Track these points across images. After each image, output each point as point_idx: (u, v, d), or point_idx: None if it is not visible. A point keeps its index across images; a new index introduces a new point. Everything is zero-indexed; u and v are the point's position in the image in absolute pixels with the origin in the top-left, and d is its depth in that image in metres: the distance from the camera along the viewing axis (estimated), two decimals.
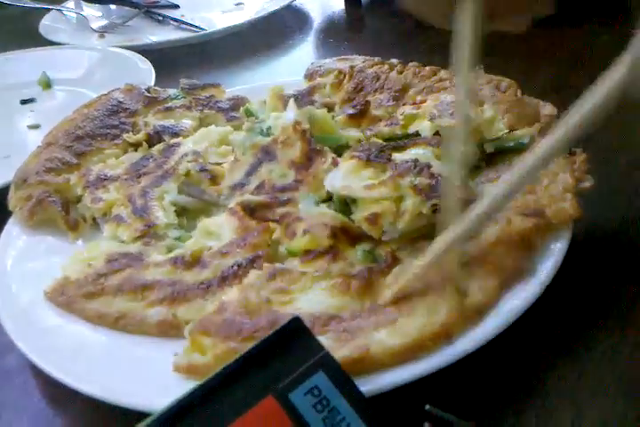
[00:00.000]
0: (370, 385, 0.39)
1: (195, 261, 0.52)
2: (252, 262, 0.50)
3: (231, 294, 0.47)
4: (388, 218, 0.50)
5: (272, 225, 0.53)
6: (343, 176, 0.53)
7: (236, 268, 0.50)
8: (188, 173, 0.61)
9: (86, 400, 0.43)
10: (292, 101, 0.63)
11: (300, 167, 0.56)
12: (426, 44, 0.97)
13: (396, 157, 0.54)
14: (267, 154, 0.59)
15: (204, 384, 0.36)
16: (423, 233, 0.50)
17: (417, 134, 0.60)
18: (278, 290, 0.47)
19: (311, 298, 0.46)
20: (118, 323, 0.48)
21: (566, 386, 0.43)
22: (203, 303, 0.49)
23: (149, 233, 0.56)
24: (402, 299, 0.45)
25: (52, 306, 0.51)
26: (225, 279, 0.50)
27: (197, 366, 0.42)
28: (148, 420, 0.35)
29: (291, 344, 0.37)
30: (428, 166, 0.52)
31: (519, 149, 0.57)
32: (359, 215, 0.51)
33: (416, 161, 0.52)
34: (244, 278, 0.49)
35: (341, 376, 0.36)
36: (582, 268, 0.51)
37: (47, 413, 0.47)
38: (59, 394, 0.46)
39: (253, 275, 0.49)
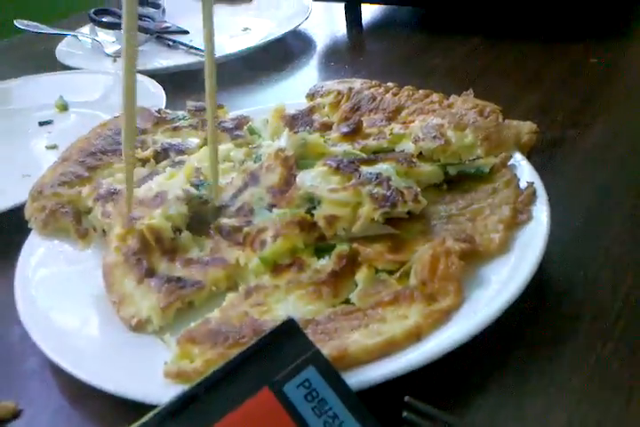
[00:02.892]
0: (354, 380, 0.43)
1: None
2: None
3: (213, 313, 0.52)
4: (344, 222, 0.56)
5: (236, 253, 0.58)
6: (313, 178, 0.59)
7: None
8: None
9: (104, 397, 0.47)
10: (286, 130, 0.67)
11: (277, 192, 0.61)
12: (423, 67, 1.02)
13: (364, 169, 0.59)
14: (253, 178, 0.64)
15: (206, 379, 0.40)
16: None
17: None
18: (255, 304, 0.52)
19: (287, 307, 0.51)
20: None
21: (538, 381, 0.47)
22: None
23: None
24: (373, 306, 0.49)
25: (69, 310, 0.56)
26: None
27: (187, 372, 0.46)
28: (153, 412, 0.39)
29: (285, 342, 0.41)
30: (388, 179, 0.58)
31: (479, 175, 0.62)
32: (320, 213, 0.57)
33: (379, 174, 0.58)
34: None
35: (330, 371, 0.41)
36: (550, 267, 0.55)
37: (67, 409, 0.51)
38: (78, 392, 0.50)
39: (230, 297, 0.54)
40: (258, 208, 0.61)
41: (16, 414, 0.50)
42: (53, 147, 0.91)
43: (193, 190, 0.64)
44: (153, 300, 0.54)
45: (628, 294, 0.53)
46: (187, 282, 0.56)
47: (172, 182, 0.65)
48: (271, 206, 0.60)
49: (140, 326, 0.53)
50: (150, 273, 0.57)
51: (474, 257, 0.53)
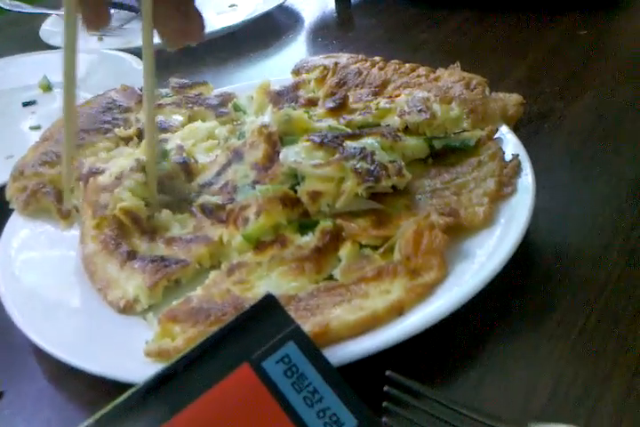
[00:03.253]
0: (335, 355, 0.43)
1: None
2: None
3: (195, 292, 0.52)
4: (328, 198, 0.55)
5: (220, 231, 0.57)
6: (296, 153, 0.58)
7: None
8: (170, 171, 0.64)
9: (86, 377, 0.47)
10: (270, 107, 0.66)
11: (261, 169, 0.60)
12: (411, 41, 1.01)
13: (348, 144, 0.58)
14: (237, 155, 0.63)
15: (185, 356, 0.39)
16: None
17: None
18: (238, 281, 0.51)
19: (269, 283, 0.50)
20: None
21: (522, 353, 0.47)
22: None
23: None
24: (355, 282, 0.49)
25: (50, 291, 0.55)
26: None
27: (168, 351, 0.46)
28: (131, 390, 0.38)
29: (264, 318, 0.41)
30: (372, 154, 0.57)
31: (465, 148, 0.61)
32: (304, 189, 0.56)
33: (363, 149, 0.57)
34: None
35: (310, 347, 0.40)
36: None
37: (50, 390, 0.51)
38: (60, 372, 0.50)
39: (213, 274, 0.53)
40: (241, 185, 0.60)
41: None
42: (37, 127, 0.89)
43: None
44: (139, 280, 0.54)
45: (612, 266, 0.52)
46: (171, 260, 0.55)
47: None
48: (255, 183, 0.59)
49: (128, 308, 0.53)
50: (132, 255, 0.56)
51: (458, 231, 0.53)
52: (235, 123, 0.71)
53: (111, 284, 0.55)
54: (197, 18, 0.52)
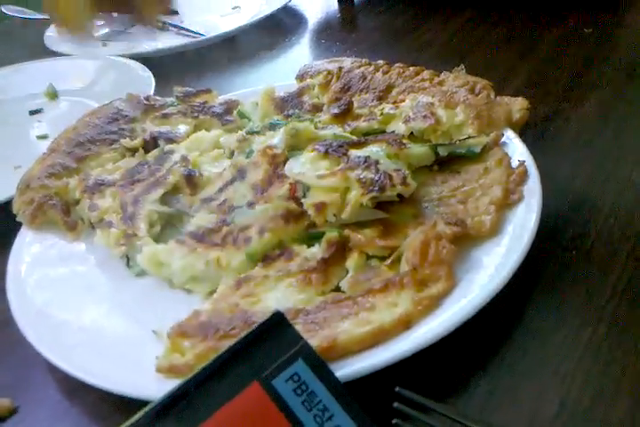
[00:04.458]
0: (343, 371, 0.43)
1: None
2: None
3: (203, 306, 0.52)
4: (333, 208, 0.55)
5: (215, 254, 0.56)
6: (301, 164, 0.58)
7: None
8: (176, 183, 0.64)
9: (99, 391, 0.48)
10: (282, 129, 0.66)
11: (259, 190, 0.60)
12: (416, 42, 1.01)
13: (353, 153, 0.58)
14: (240, 174, 0.63)
15: (196, 375, 0.40)
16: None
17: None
18: (246, 294, 0.51)
19: (277, 296, 0.51)
20: None
21: (530, 366, 0.47)
22: None
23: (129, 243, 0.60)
24: (363, 294, 0.49)
25: (61, 306, 0.56)
26: None
27: (178, 366, 0.46)
28: (144, 410, 0.39)
29: (273, 336, 0.41)
30: (377, 163, 0.57)
31: (471, 155, 0.61)
32: (309, 201, 0.56)
33: (367, 157, 0.57)
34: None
35: (318, 363, 0.40)
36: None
37: (63, 404, 0.51)
38: (73, 387, 0.51)
39: (221, 288, 0.53)
40: (237, 206, 0.60)
41: (13, 411, 0.51)
42: (44, 137, 0.90)
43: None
44: None
45: (621, 273, 0.52)
46: None
47: None
48: (250, 204, 0.59)
49: None
50: None
51: (465, 240, 0.53)
52: (241, 132, 0.71)
53: None
54: None
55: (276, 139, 0.63)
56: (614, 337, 0.47)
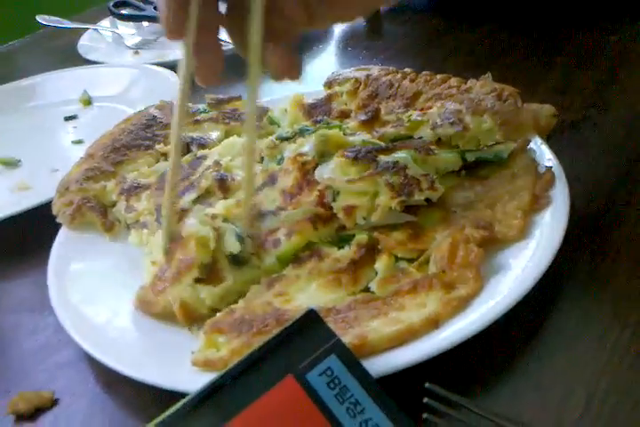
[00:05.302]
0: (375, 367, 0.44)
1: None
2: None
3: (237, 304, 0.54)
4: (363, 212, 0.57)
5: None
6: (331, 170, 0.60)
7: None
8: (208, 187, 0.66)
9: (136, 384, 0.49)
10: (313, 136, 0.67)
11: (288, 196, 0.61)
12: (441, 50, 1.02)
13: (382, 158, 0.60)
14: (271, 180, 0.64)
15: (232, 368, 0.42)
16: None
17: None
18: (278, 293, 0.53)
19: (308, 295, 0.52)
20: None
21: (557, 363, 0.48)
22: None
23: None
24: (392, 295, 0.50)
25: (100, 301, 0.58)
26: None
27: (214, 361, 0.48)
28: (181, 402, 0.41)
29: (307, 332, 0.43)
30: (405, 168, 0.58)
31: (498, 161, 0.62)
32: (339, 205, 0.58)
33: (395, 163, 0.59)
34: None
35: (351, 359, 0.42)
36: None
37: (101, 397, 0.53)
38: (111, 380, 0.53)
39: (254, 288, 0.55)
40: (266, 211, 0.61)
41: (53, 403, 0.53)
42: (79, 142, 0.93)
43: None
44: None
45: None
46: None
47: None
48: (279, 209, 0.60)
49: None
50: None
51: (493, 244, 0.54)
52: (271, 137, 0.73)
53: None
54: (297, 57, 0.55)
55: (307, 146, 0.65)
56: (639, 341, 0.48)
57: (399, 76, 0.80)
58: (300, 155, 0.64)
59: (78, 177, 0.72)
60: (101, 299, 0.59)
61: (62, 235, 0.67)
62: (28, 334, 0.61)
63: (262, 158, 0.70)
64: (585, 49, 0.92)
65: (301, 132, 0.73)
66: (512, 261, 0.52)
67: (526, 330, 0.50)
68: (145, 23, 1.28)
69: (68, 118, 1.00)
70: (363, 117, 0.73)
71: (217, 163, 0.69)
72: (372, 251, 0.55)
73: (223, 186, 0.66)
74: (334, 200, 0.58)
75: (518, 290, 0.48)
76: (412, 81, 0.78)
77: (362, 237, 0.56)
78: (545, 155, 0.62)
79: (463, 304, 0.48)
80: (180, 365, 0.50)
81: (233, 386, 0.41)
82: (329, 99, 0.80)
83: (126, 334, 0.55)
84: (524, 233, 0.54)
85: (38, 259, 0.65)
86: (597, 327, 0.50)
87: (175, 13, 0.48)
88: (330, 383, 0.41)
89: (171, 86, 0.97)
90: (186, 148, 0.75)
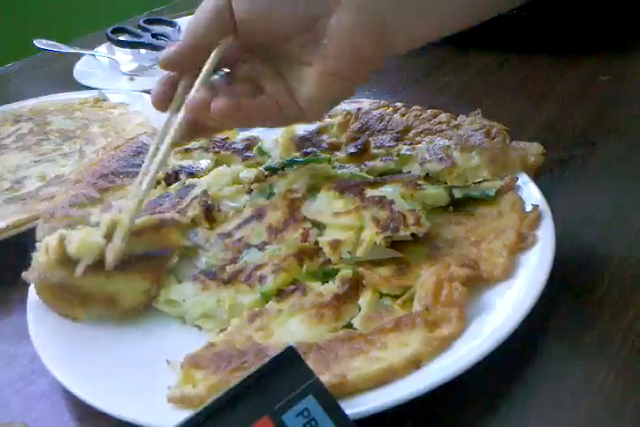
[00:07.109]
0: (353, 409, 0.43)
1: None
2: None
3: (217, 338, 0.53)
4: (348, 246, 0.56)
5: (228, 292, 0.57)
6: (318, 203, 0.60)
7: None
8: (195, 217, 0.65)
9: (111, 418, 0.48)
10: (304, 170, 0.68)
11: (273, 232, 0.61)
12: (434, 84, 1.03)
13: (368, 192, 0.60)
14: (260, 213, 0.64)
15: (207, 407, 0.40)
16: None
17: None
18: (259, 328, 0.52)
19: (290, 330, 0.51)
20: None
21: (543, 405, 0.47)
22: None
23: None
24: (374, 333, 0.49)
25: (77, 332, 0.57)
26: None
27: (190, 397, 0.47)
28: None
29: (285, 371, 0.42)
30: (391, 203, 0.58)
31: (485, 199, 0.62)
32: (324, 239, 0.58)
33: (382, 197, 0.59)
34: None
35: (329, 400, 0.41)
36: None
37: None
38: (86, 412, 0.51)
39: (235, 322, 0.54)
40: (251, 245, 0.61)
41: None
42: None
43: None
44: None
45: (632, 321, 0.52)
46: None
47: None
48: (264, 244, 0.60)
49: None
50: None
51: (478, 282, 0.53)
52: (260, 168, 0.73)
53: None
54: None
55: (299, 183, 0.65)
56: (625, 385, 0.47)
57: (390, 109, 0.80)
58: (291, 191, 0.64)
59: (64, 203, 0.71)
60: (79, 329, 0.57)
61: None
62: (4, 363, 0.60)
63: (251, 189, 0.70)
64: (575, 87, 0.93)
65: (290, 164, 0.73)
66: (497, 300, 0.52)
67: (509, 371, 0.50)
68: (142, 50, 1.29)
69: None
70: (352, 150, 0.73)
71: (205, 192, 0.68)
72: (355, 287, 0.55)
73: (209, 216, 0.66)
74: (320, 235, 0.58)
75: (502, 331, 0.48)
76: (402, 115, 0.79)
77: (346, 272, 0.56)
78: (532, 193, 0.62)
79: (445, 344, 0.47)
80: (156, 400, 0.48)
81: (208, 426, 0.40)
82: (319, 131, 0.80)
83: (102, 366, 0.53)
84: (508, 272, 0.53)
85: (19, 285, 0.64)
86: (583, 369, 0.49)
87: (164, 89, 0.61)
88: (306, 425, 0.40)
89: (164, 114, 0.97)
90: (175, 176, 0.75)
